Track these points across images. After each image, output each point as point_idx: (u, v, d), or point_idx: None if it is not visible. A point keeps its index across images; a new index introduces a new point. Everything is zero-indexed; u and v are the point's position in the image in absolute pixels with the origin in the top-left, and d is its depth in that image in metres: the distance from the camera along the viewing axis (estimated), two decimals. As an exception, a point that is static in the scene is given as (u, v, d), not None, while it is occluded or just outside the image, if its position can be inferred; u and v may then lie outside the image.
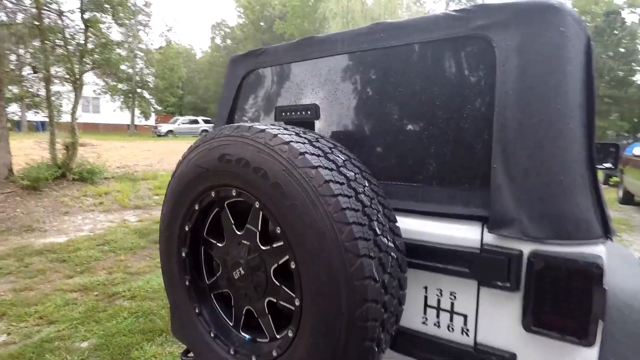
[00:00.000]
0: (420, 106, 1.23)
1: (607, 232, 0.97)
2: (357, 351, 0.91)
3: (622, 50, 28.90)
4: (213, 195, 1.16)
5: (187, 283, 1.30)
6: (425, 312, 1.15)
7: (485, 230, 1.03)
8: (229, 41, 46.99)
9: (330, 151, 1.03)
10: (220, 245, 1.23)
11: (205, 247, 1.30)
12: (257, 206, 1.05)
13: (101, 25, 8.26)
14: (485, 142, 1.09)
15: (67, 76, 7.69)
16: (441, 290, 1.11)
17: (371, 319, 0.90)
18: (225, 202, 1.18)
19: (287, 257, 1.02)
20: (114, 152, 13.08)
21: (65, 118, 8.40)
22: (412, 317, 1.16)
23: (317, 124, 1.40)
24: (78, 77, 7.67)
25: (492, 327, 1.04)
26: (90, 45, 8.06)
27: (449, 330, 1.11)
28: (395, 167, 1.25)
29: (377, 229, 0.94)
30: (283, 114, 1.39)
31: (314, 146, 1.01)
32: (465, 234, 1.06)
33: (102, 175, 7.86)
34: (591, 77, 1.05)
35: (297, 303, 0.98)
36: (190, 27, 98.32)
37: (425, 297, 1.14)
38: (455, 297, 1.09)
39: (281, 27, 29.07)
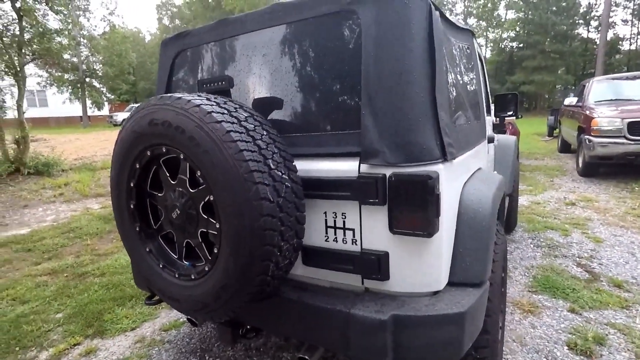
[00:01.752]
0: (310, 71, 1.54)
1: (444, 156, 1.33)
2: (261, 253, 1.22)
3: (563, 4, 30.08)
4: (149, 154, 1.42)
5: (137, 229, 1.57)
6: (326, 232, 1.48)
7: (360, 162, 1.36)
8: (177, 21, 44.96)
9: (235, 110, 1.31)
10: (160, 195, 1.50)
11: (149, 199, 1.57)
12: (182, 157, 1.32)
13: (36, 14, 7.87)
14: (357, 94, 1.41)
15: (7, 69, 7.37)
16: (335, 213, 1.44)
17: (268, 229, 1.21)
18: (160, 159, 1.45)
19: (209, 194, 1.30)
20: (69, 144, 12.67)
21: (10, 114, 8.09)
22: (318, 237, 1.49)
23: (233, 93, 1.66)
24: (19, 69, 7.37)
25: (370, 235, 1.39)
26: (27, 36, 7.70)
27: (343, 242, 1.45)
28: (294, 122, 1.56)
29: (271, 164, 1.24)
30: (204, 85, 1.64)
31: (220, 107, 1.29)
32: (347, 167, 1.39)
33: (59, 167, 7.74)
34: (432, 37, 1.37)
35: (217, 226, 1.28)
36: (134, 9, 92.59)
37: (325, 220, 1.47)
38: (345, 216, 1.43)
39: (230, 3, 28.15)
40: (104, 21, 24.61)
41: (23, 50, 7.58)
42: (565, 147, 9.47)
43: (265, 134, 1.31)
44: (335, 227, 1.46)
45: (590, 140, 6.19)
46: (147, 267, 1.55)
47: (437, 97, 1.35)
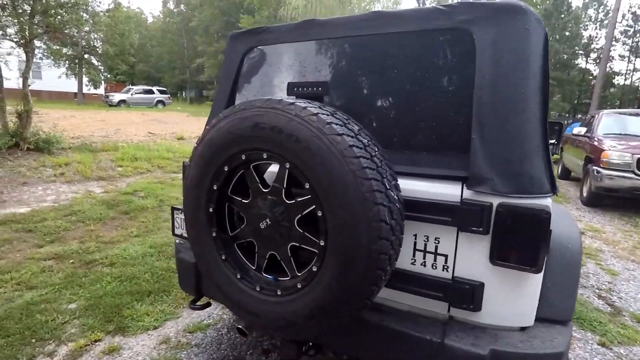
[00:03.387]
0: (412, 87, 1.47)
1: (553, 189, 1.28)
2: (372, 277, 1.15)
3: (567, 34, 30.82)
4: (243, 158, 1.33)
5: (214, 234, 1.47)
6: (414, 255, 1.41)
7: (465, 187, 1.30)
8: (182, 7, 44.33)
9: (347, 122, 1.24)
10: (245, 201, 1.41)
11: (230, 204, 1.47)
12: (287, 166, 1.24)
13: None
14: (466, 116, 1.35)
15: (18, 40, 7.07)
16: (427, 237, 1.38)
17: (382, 253, 1.14)
18: (251, 164, 1.36)
19: (312, 207, 1.23)
20: (64, 121, 12.26)
21: (8, 85, 7.75)
22: (404, 260, 1.42)
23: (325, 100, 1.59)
24: (29, 40, 7.07)
25: (466, 264, 1.33)
26: (39, 7, 7.41)
27: (432, 268, 1.39)
28: (389, 138, 1.49)
29: (386, 184, 1.18)
30: (295, 89, 1.56)
31: (334, 117, 1.21)
32: (449, 191, 1.33)
33: (59, 146, 7.46)
34: (547, 66, 1.34)
35: (321, 243, 1.20)
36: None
37: (415, 243, 1.41)
38: (438, 241, 1.37)
39: (242, -6, 27.96)
40: (109, -2, 24.03)
41: (35, 21, 7.28)
42: (565, 174, 9.63)
43: (377, 150, 1.24)
44: (425, 251, 1.39)
45: (598, 172, 6.28)
46: (222, 275, 1.45)
47: (546, 128, 1.31)
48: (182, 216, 2.06)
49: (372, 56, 1.54)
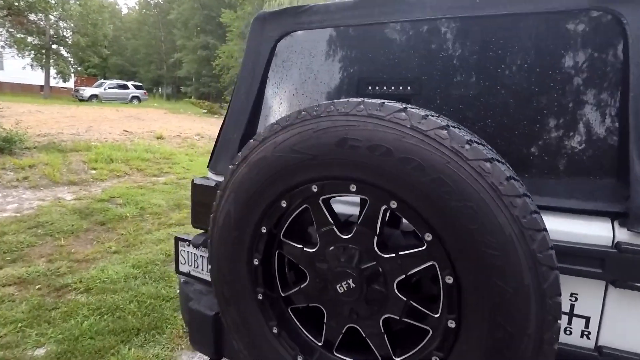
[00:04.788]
0: (531, 87, 1.08)
1: None
2: None
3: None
4: (315, 190, 0.91)
5: (260, 297, 1.02)
6: None
7: (619, 226, 0.94)
8: (160, -1, 42.79)
9: (478, 139, 0.82)
10: (309, 250, 0.97)
11: (283, 252, 1.03)
12: (393, 206, 0.82)
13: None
14: (616, 128, 0.98)
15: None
16: None
17: (554, 343, 0.74)
18: (320, 198, 0.92)
19: (427, 265, 0.83)
20: (29, 117, 11.27)
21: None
22: None
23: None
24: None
25: (617, 330, 0.97)
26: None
27: (565, 333, 1.01)
28: (515, 157, 1.08)
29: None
30: (370, 87, 1.13)
31: (469, 133, 0.81)
32: (594, 231, 0.96)
33: (22, 145, 6.69)
34: None
35: (451, 325, 0.79)
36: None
37: None
38: (576, 298, 1.00)
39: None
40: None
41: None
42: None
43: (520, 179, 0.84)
44: None
45: None
46: (273, 355, 1.00)
47: None
48: (191, 249, 1.59)
49: (477, 47, 1.13)
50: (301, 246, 0.99)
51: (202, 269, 1.56)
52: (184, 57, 36.76)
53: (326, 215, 0.94)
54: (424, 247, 0.82)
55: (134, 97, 26.03)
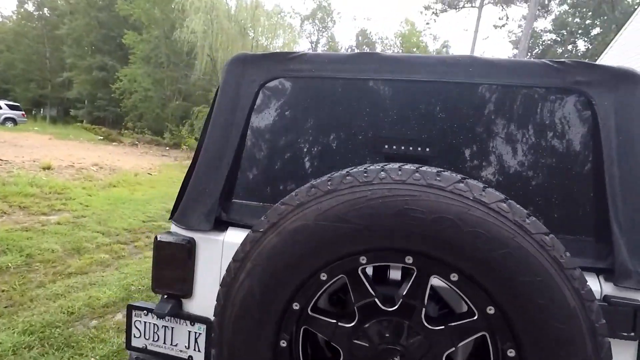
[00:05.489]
0: (513, 151, 1.19)
1: None
2: None
3: None
4: (363, 262, 0.83)
5: None
6: None
7: (603, 281, 1.06)
8: (47, 11, 38.27)
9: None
10: (345, 325, 0.87)
11: (311, 329, 0.91)
12: (454, 279, 0.79)
13: None
14: (597, 195, 1.11)
15: None
16: None
17: None
18: (361, 269, 0.85)
19: (478, 335, 0.82)
20: None
21: None
22: None
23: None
24: None
25: None
26: None
27: None
28: None
29: None
30: (386, 146, 1.10)
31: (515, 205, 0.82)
32: None
33: None
34: None
35: None
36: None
37: None
38: None
39: (125, 9, 25.31)
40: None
41: None
42: None
43: None
44: None
45: None
46: None
47: None
48: (149, 319, 1.32)
49: (465, 110, 1.21)
50: (335, 321, 0.88)
51: (164, 342, 1.30)
52: (74, 77, 32.96)
53: (366, 285, 0.86)
54: (475, 318, 0.80)
55: (7, 119, 22.20)
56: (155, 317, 1.28)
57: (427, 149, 1.15)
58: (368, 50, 1.33)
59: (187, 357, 1.28)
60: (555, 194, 1.14)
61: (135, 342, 1.33)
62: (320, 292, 0.89)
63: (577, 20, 30.00)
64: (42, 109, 38.19)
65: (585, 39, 30.84)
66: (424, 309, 0.85)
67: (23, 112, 24.60)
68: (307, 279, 0.86)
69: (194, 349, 1.27)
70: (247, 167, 1.32)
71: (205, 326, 1.25)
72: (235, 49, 21.07)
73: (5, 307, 3.18)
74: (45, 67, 36.68)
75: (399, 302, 0.85)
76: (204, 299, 1.27)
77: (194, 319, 1.27)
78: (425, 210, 0.78)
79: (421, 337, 0.84)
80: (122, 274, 4.09)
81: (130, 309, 1.34)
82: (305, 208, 0.84)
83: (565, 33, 31.29)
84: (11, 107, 23.38)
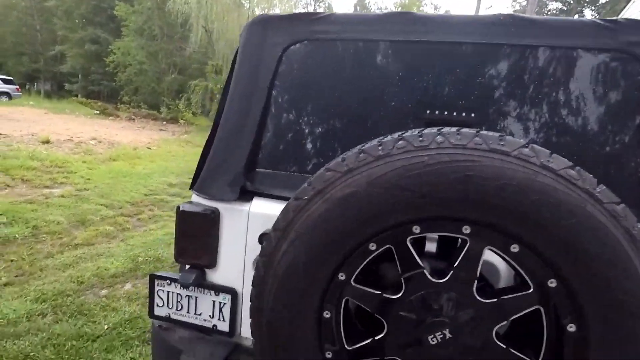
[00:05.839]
0: (567, 118, 1.10)
1: None
2: None
3: None
4: (417, 231, 0.81)
5: (328, 355, 0.88)
6: None
7: None
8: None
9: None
10: (390, 297, 0.87)
11: (355, 301, 0.91)
12: (515, 250, 0.77)
13: None
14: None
15: None
16: None
17: None
18: (408, 239, 0.83)
19: (533, 309, 0.82)
20: None
21: None
22: None
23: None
24: None
25: None
26: None
27: None
28: None
29: None
30: (427, 111, 1.07)
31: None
32: None
33: None
34: None
35: None
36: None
37: None
38: None
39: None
40: None
41: None
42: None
43: None
44: None
45: None
46: None
47: None
48: (172, 289, 1.33)
49: (507, 72, 1.13)
50: (380, 292, 0.87)
51: (188, 311, 1.31)
52: (67, 50, 32.09)
53: (414, 256, 0.85)
54: (530, 292, 0.80)
55: (2, 93, 21.80)
56: (179, 286, 1.29)
57: (472, 114, 1.09)
58: (402, 10, 1.24)
59: (211, 326, 1.28)
60: (609, 162, 1.08)
61: (158, 311, 1.34)
62: (365, 262, 0.87)
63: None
64: (35, 84, 37.41)
65: (593, 8, 29.95)
66: (476, 282, 0.83)
67: (17, 87, 24.12)
68: (355, 249, 0.84)
69: (219, 318, 1.27)
70: (271, 135, 1.27)
71: (230, 296, 1.25)
72: (231, 20, 20.44)
73: (16, 276, 3.23)
74: (37, 41, 35.62)
75: (450, 274, 0.83)
76: (228, 269, 1.26)
77: (218, 289, 1.26)
78: (488, 177, 0.73)
79: (472, 310, 0.83)
80: (128, 246, 4.13)
81: (152, 278, 1.33)
82: (355, 174, 0.80)
83: (571, 1, 30.35)
84: (5, 82, 22.90)
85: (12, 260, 3.49)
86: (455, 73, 1.16)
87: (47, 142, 8.79)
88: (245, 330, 1.24)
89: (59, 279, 3.22)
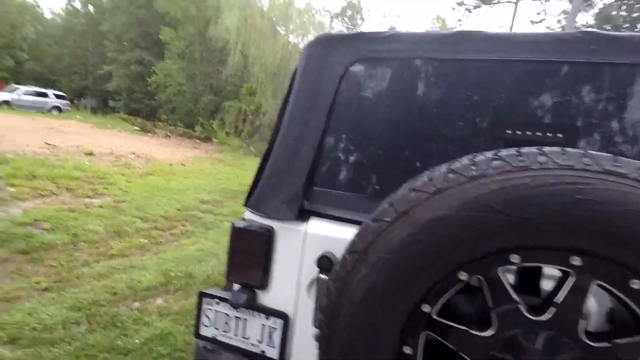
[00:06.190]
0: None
1: None
2: None
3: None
4: (515, 261, 0.73)
5: None
6: None
7: None
8: (91, 8, 39.95)
9: None
10: (480, 335, 0.78)
11: (435, 336, 0.83)
12: (636, 287, 0.69)
13: None
14: None
15: None
16: None
17: None
18: (499, 269, 0.76)
19: None
20: None
21: None
22: None
23: None
24: None
25: None
26: None
27: None
28: None
29: None
30: (509, 131, 1.01)
31: None
32: None
33: None
34: None
35: None
36: (35, -21, 79.80)
37: None
38: None
39: (164, 6, 26.03)
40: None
41: None
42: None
43: None
44: None
45: None
46: None
47: None
48: (221, 308, 1.28)
49: (589, 92, 1.06)
50: (465, 328, 0.80)
51: (236, 334, 1.25)
52: (114, 70, 34.32)
53: (508, 289, 0.77)
54: None
55: (54, 107, 23.39)
56: (228, 306, 1.25)
57: (559, 135, 1.02)
58: (475, 31, 1.20)
59: (259, 352, 1.21)
60: None
61: (204, 331, 1.29)
62: (453, 294, 0.80)
63: (623, 13, 28.20)
64: (82, 99, 39.97)
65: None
66: (584, 322, 0.73)
67: (68, 102, 25.85)
68: (444, 277, 0.76)
69: (267, 344, 1.20)
70: (332, 154, 1.23)
71: (281, 321, 1.19)
72: (267, 46, 21.24)
73: (54, 282, 3.29)
74: (88, 61, 38.35)
75: (553, 312, 0.74)
76: (281, 291, 1.21)
77: (269, 312, 1.21)
78: (604, 202, 0.66)
79: (578, 354, 0.73)
80: (161, 260, 4.16)
81: (201, 296, 1.29)
82: (445, 196, 0.74)
83: (609, 27, 29.59)
84: (58, 97, 24.62)
85: (52, 266, 3.58)
86: (533, 93, 1.10)
87: (91, 154, 9.23)
88: (297, 359, 1.17)
89: (94, 288, 3.25)
